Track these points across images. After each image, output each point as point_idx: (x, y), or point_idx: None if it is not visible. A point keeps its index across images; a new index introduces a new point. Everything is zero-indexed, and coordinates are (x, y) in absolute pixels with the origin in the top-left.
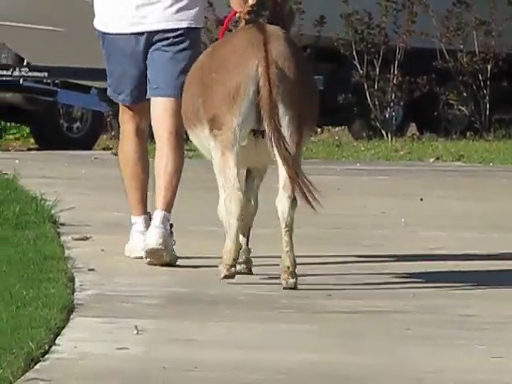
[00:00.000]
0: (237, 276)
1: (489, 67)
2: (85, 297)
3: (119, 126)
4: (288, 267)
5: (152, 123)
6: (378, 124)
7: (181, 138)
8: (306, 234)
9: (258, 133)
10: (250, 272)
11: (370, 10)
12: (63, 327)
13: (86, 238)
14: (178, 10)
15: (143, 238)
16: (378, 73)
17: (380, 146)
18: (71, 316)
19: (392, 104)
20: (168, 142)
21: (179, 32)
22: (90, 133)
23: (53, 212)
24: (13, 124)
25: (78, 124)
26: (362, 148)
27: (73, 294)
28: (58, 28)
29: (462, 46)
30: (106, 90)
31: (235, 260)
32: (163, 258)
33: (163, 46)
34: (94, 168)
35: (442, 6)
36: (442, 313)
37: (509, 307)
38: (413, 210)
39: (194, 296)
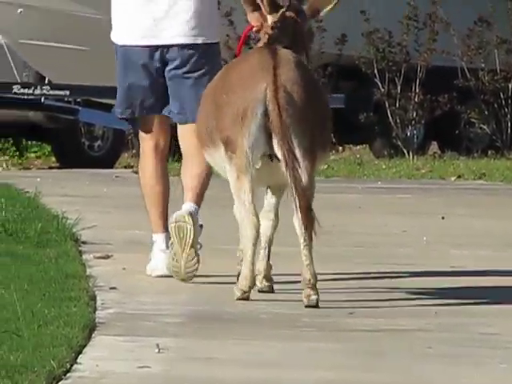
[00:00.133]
0: (258, 294)
1: (510, 86)
2: (106, 315)
3: (139, 144)
4: (309, 280)
5: (180, 142)
6: (399, 142)
7: None
8: (328, 252)
9: (273, 156)
10: (271, 290)
11: (391, 29)
12: (85, 346)
13: (108, 257)
14: (196, 26)
15: (165, 256)
16: (399, 91)
17: (401, 164)
18: (93, 334)
19: (413, 122)
20: (194, 153)
21: (196, 49)
22: (111, 151)
23: (74, 230)
24: (34, 142)
25: (99, 142)
26: (384, 166)
27: (94, 312)
28: (79, 46)
29: (483, 65)
30: None
31: (251, 288)
32: (187, 231)
33: (184, 72)
34: (116, 186)
35: (463, 25)
36: (463, 331)
37: None
38: (434, 228)
39: (215, 314)
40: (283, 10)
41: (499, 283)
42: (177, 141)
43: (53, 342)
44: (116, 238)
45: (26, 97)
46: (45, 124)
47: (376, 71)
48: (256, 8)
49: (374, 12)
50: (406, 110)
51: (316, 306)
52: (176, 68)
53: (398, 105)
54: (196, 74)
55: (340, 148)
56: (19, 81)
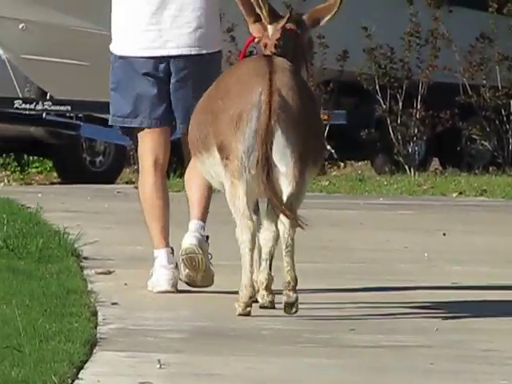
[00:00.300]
0: (259, 310)
1: (511, 102)
2: (108, 331)
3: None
4: (289, 282)
5: (185, 152)
6: (400, 159)
7: None
8: (329, 268)
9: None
10: (272, 306)
11: (393, 45)
12: (86, 361)
13: (109, 272)
14: (200, 36)
15: (166, 271)
16: (400, 107)
17: (403, 180)
18: (94, 350)
19: (415, 139)
20: None
21: (201, 59)
22: (112, 167)
23: (76, 246)
24: (36, 158)
25: (100, 158)
26: (385, 182)
27: (96, 328)
28: (81, 62)
29: (484, 81)
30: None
31: (251, 298)
32: (198, 260)
33: (189, 83)
34: (117, 202)
35: (465, 41)
36: (465, 347)
37: None
38: (436, 244)
39: (217, 330)
40: (284, 22)
41: (500, 300)
42: (177, 157)
43: (54, 357)
44: (117, 253)
45: (27, 112)
46: (46, 139)
47: (377, 87)
48: (257, 19)
49: (375, 28)
50: (408, 126)
51: (294, 303)
52: (181, 78)
53: (399, 121)
54: (201, 84)
55: (342, 164)
56: (21, 96)
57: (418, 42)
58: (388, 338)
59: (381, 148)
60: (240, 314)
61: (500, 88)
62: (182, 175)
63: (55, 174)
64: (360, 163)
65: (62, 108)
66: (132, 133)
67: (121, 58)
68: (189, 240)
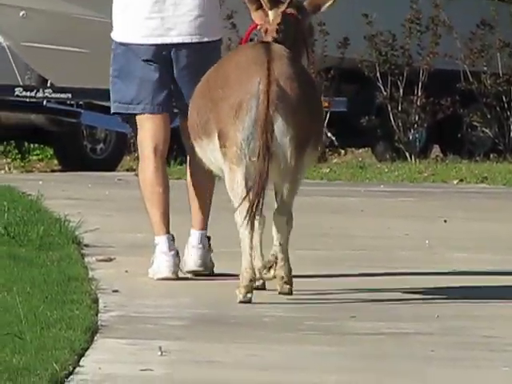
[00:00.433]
0: (260, 297)
1: None
2: (109, 318)
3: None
4: (282, 277)
5: (185, 140)
6: (401, 146)
7: None
8: (330, 255)
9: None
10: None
11: (394, 32)
12: (87, 348)
13: (110, 260)
14: (201, 24)
15: (167, 258)
16: (401, 94)
17: (404, 167)
18: (95, 337)
19: (416, 126)
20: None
21: (202, 47)
22: (113, 154)
23: (77, 233)
24: (36, 145)
25: (101, 145)
26: (386, 170)
27: (97, 315)
28: (82, 49)
29: (485, 68)
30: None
31: (251, 281)
32: (204, 274)
33: (190, 70)
34: (118, 189)
35: (465, 28)
36: (465, 334)
37: None
38: (437, 231)
39: (218, 317)
40: (284, 7)
41: (501, 286)
42: (177, 144)
43: (55, 344)
44: (118, 240)
45: (28, 100)
46: (47, 127)
47: (378, 74)
48: (259, 6)
49: (376, 15)
50: (409, 113)
51: (288, 293)
52: (183, 67)
53: (400, 108)
54: (202, 72)
55: (342, 151)
56: (21, 83)
57: (418, 29)
58: (389, 325)
59: (381, 135)
60: (241, 301)
61: (501, 75)
62: (182, 163)
63: (56, 162)
64: (361, 150)
65: (63, 95)
66: (132, 120)
67: (122, 45)
68: (192, 260)
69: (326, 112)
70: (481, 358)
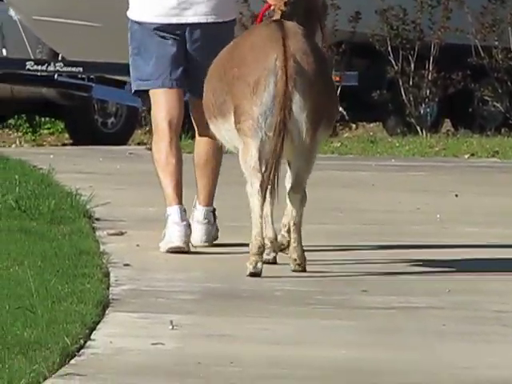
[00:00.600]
0: (271, 272)
1: None
2: (120, 292)
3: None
4: (295, 259)
5: (195, 116)
6: (412, 120)
7: None
8: (341, 229)
9: None
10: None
11: (405, 6)
12: (98, 322)
13: (121, 233)
14: (217, 4)
15: (179, 228)
16: (412, 69)
17: (415, 142)
18: (106, 311)
19: (427, 100)
20: (211, 138)
21: (218, 27)
22: (124, 128)
23: (88, 207)
24: (47, 119)
25: (112, 119)
26: (397, 144)
27: (108, 289)
28: (93, 23)
29: (496, 43)
30: None
31: (261, 248)
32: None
33: (206, 50)
34: (129, 163)
35: (477, 3)
36: (477, 309)
37: None
38: (448, 206)
39: (230, 291)
40: None
41: None
42: (189, 119)
43: (66, 318)
44: (129, 214)
45: (39, 73)
46: (58, 101)
47: (390, 49)
48: None
49: None
50: (420, 87)
51: (303, 270)
52: (198, 47)
53: (411, 82)
54: (216, 52)
55: (353, 126)
56: (33, 57)
57: (430, 4)
58: (400, 299)
59: (393, 109)
60: (251, 273)
61: None
62: (193, 136)
63: (67, 136)
64: (372, 125)
65: (74, 69)
66: (145, 94)
67: (138, 23)
68: (198, 237)
69: (338, 86)
70: (492, 333)
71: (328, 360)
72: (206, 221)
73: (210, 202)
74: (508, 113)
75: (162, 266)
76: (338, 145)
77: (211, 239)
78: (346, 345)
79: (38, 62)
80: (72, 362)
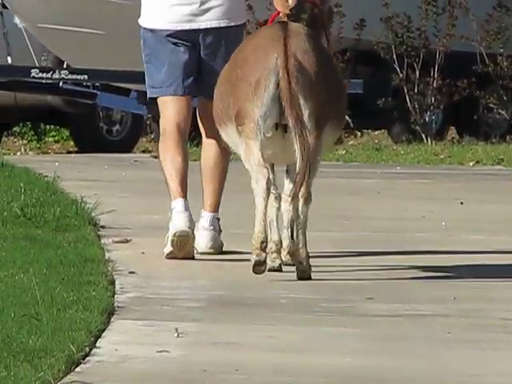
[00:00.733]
0: (277, 279)
1: None
2: (125, 299)
3: (159, 129)
4: (300, 262)
5: (202, 121)
6: (417, 127)
7: None
8: (346, 237)
9: (281, 127)
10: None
11: (410, 14)
12: (104, 330)
13: (127, 241)
14: (229, 8)
15: (183, 215)
16: (417, 76)
17: (420, 149)
18: (112, 319)
19: (432, 107)
20: (218, 142)
21: (229, 31)
22: (129, 136)
23: (93, 215)
24: (52, 126)
25: (117, 127)
26: (402, 151)
27: (113, 296)
28: (98, 31)
29: (502, 50)
30: (145, 92)
31: (263, 243)
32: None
33: (218, 55)
34: (134, 171)
35: (482, 10)
36: (483, 316)
37: None
38: (453, 213)
39: (235, 299)
40: None
41: None
42: (195, 126)
43: (72, 326)
44: (135, 222)
45: (44, 81)
46: (63, 108)
47: (394, 56)
48: None
49: None
50: (425, 95)
51: (307, 279)
52: (211, 52)
53: (416, 90)
54: (228, 55)
55: (358, 133)
56: (38, 65)
57: (435, 11)
58: (405, 306)
59: (398, 117)
60: (255, 262)
61: None
62: (198, 144)
63: (72, 143)
64: (377, 132)
65: (79, 77)
66: (152, 102)
67: (150, 30)
68: (203, 244)
69: None
70: (497, 341)
71: (333, 368)
72: (212, 227)
73: (215, 208)
74: None
75: (168, 273)
76: (343, 152)
77: (217, 246)
78: (352, 352)
79: (42, 70)
80: (77, 369)
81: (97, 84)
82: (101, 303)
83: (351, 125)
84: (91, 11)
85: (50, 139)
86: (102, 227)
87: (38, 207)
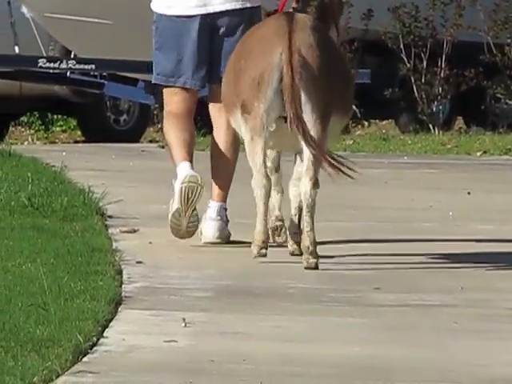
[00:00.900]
0: (285, 269)
1: None
2: (133, 289)
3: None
4: (308, 247)
5: (213, 109)
6: (425, 117)
7: None
8: (353, 226)
9: (285, 118)
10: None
11: (418, 4)
12: (111, 320)
13: (134, 231)
14: None
15: (188, 169)
16: (425, 66)
17: (427, 139)
18: (119, 308)
19: (439, 97)
20: (228, 131)
21: (244, 14)
22: (136, 125)
23: (100, 204)
24: (60, 116)
25: (124, 116)
26: (409, 141)
27: (121, 286)
28: (106, 20)
29: (509, 40)
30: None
31: (264, 242)
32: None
33: (233, 38)
34: (142, 160)
35: (489, 0)
36: (490, 306)
37: None
38: (460, 203)
39: (243, 289)
40: None
41: None
42: (202, 116)
43: (79, 315)
44: (142, 212)
45: (51, 71)
46: (70, 98)
47: (402, 46)
48: None
49: None
50: (432, 85)
51: (315, 268)
52: (226, 34)
53: (423, 80)
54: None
55: (366, 123)
56: (45, 55)
57: (442, 1)
58: (412, 296)
59: (405, 107)
60: (256, 256)
61: None
62: (205, 134)
63: (79, 133)
64: (384, 122)
65: (86, 67)
66: (159, 91)
67: (165, 16)
68: (210, 232)
69: None
70: (504, 330)
71: (341, 358)
72: (219, 217)
73: (223, 198)
74: None
75: (175, 263)
76: (351, 142)
77: (224, 236)
78: (359, 342)
79: (50, 60)
80: (85, 359)
81: (104, 74)
82: (108, 293)
83: (358, 115)
84: (98, 1)
85: (58, 129)
86: (110, 217)
87: (45, 197)
